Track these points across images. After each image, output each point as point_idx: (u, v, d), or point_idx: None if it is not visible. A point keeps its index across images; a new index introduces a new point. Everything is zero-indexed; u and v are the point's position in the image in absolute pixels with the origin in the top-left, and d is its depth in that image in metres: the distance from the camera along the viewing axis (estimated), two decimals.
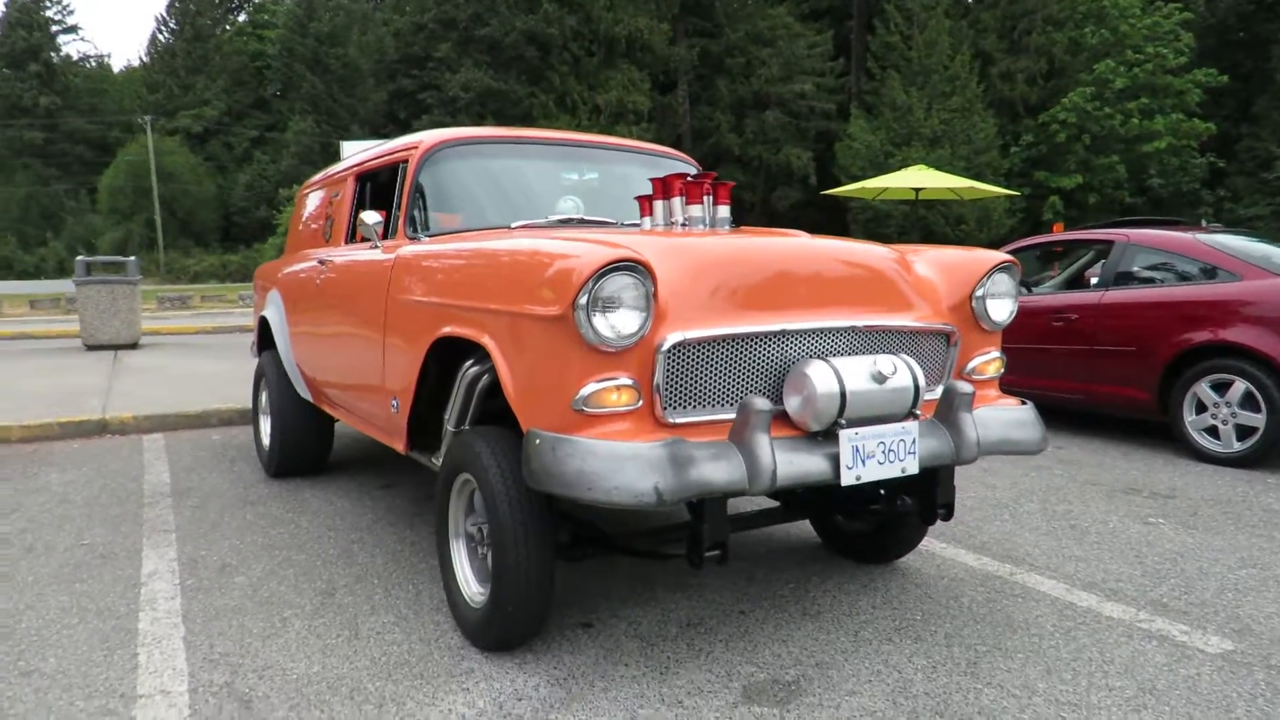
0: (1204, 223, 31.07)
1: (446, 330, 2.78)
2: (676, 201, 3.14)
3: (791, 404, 2.45)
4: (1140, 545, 3.72)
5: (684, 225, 3.10)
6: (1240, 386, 5.00)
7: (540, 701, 2.40)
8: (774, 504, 3.47)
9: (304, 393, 4.62)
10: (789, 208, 36.44)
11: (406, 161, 3.56)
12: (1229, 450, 5.07)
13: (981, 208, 31.03)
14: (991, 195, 14.36)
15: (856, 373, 2.44)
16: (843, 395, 2.39)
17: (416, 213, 3.46)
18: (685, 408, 2.40)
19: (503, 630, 2.58)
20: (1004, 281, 2.96)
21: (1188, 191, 40.47)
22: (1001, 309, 2.96)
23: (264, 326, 5.16)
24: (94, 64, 61.04)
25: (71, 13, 61.73)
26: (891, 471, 2.51)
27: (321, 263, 4.14)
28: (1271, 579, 3.33)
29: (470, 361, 2.87)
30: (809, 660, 2.65)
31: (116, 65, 62.86)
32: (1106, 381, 5.66)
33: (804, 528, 3.92)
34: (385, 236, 3.57)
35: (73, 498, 4.53)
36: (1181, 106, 35.26)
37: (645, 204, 3.28)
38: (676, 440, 2.24)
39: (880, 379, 2.46)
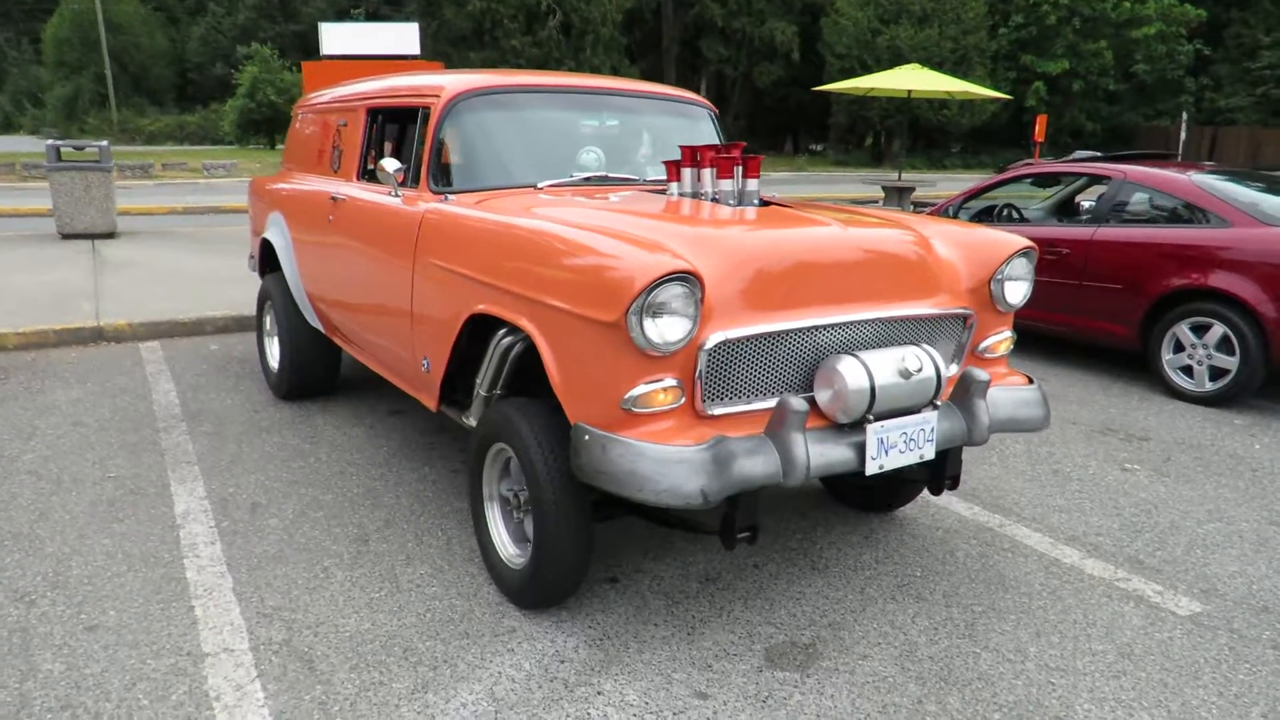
0: (1184, 116, 30.90)
1: (484, 308, 2.84)
2: (707, 173, 3.17)
3: (822, 397, 2.58)
4: (1118, 495, 3.98)
5: (714, 198, 3.14)
6: (1219, 330, 5.22)
7: (581, 664, 2.61)
8: None
9: (314, 323, 4.66)
10: (771, 84, 35.54)
11: (428, 108, 3.51)
12: (1201, 389, 5.33)
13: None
14: (983, 98, 14.17)
15: (885, 368, 2.57)
16: (873, 391, 2.53)
17: (440, 165, 3.44)
18: (722, 400, 2.52)
19: (544, 592, 2.77)
20: (1022, 266, 3.06)
21: (1172, 80, 40.04)
22: (1018, 291, 3.07)
23: (266, 248, 5.13)
24: None
25: None
26: (911, 459, 2.68)
27: (335, 199, 4.11)
28: (1235, 534, 3.61)
29: (503, 332, 2.95)
30: (822, 620, 2.89)
31: None
32: (1093, 316, 5.85)
33: None
34: (404, 183, 3.56)
35: (85, 420, 4.60)
36: None
37: (673, 170, 3.30)
38: (718, 440, 2.37)
39: (907, 375, 2.60)
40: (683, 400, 2.44)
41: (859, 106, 31.93)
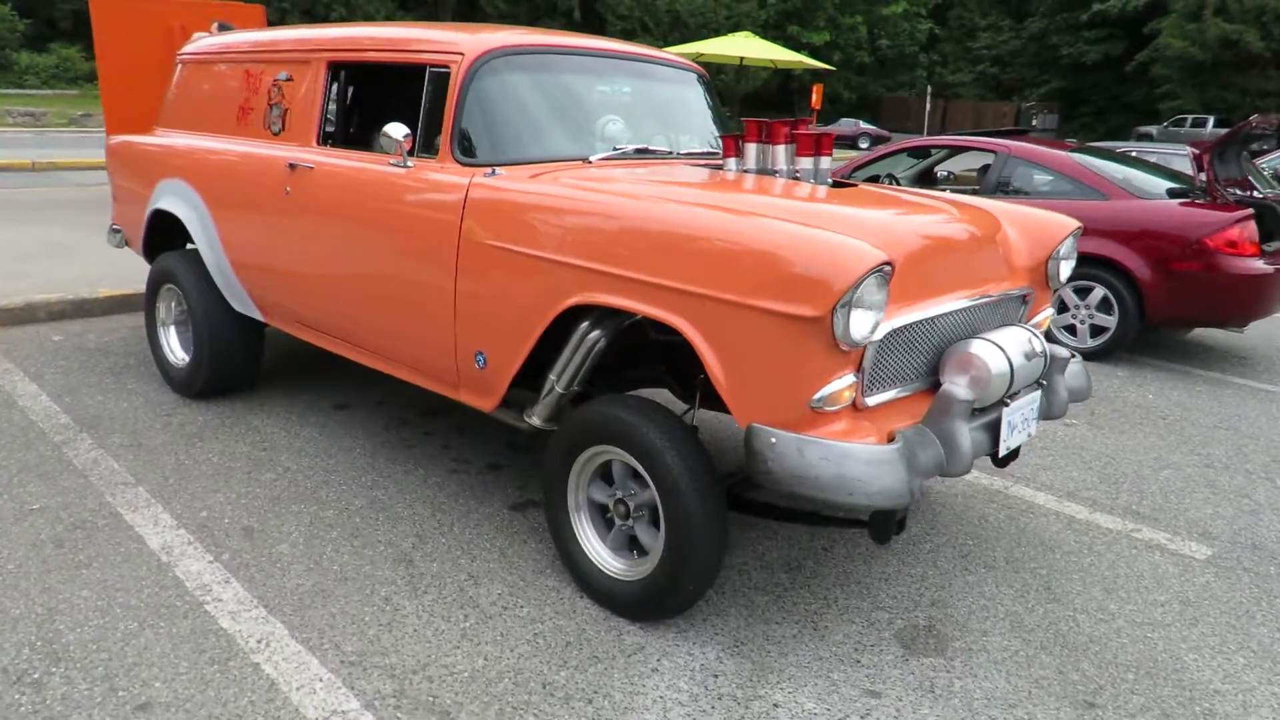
0: (929, 89, 33.91)
1: (588, 298, 2.56)
2: (781, 149, 3.04)
3: (959, 382, 2.57)
4: (1077, 449, 4.34)
5: (796, 175, 3.02)
6: (1099, 292, 5.81)
7: (736, 676, 2.47)
8: None
9: (244, 308, 4.03)
10: None
11: (443, 68, 3.09)
12: (1083, 345, 5.93)
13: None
14: (809, 67, 14.81)
15: (1015, 351, 2.60)
16: (1012, 374, 2.56)
17: (467, 134, 3.04)
18: (876, 390, 2.45)
19: (678, 603, 2.59)
20: (1071, 244, 3.21)
21: (909, 55, 43.99)
22: (1067, 269, 3.22)
23: (157, 222, 4.35)
24: None
25: None
26: (1023, 438, 2.75)
27: (293, 167, 3.54)
28: (1188, 479, 4.05)
29: (588, 323, 2.70)
30: (923, 599, 2.92)
31: None
32: None
33: None
34: (411, 152, 3.13)
35: None
36: None
37: (732, 144, 3.14)
38: (902, 436, 2.31)
39: (1030, 356, 2.65)
40: (855, 395, 2.34)
41: None
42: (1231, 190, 5.89)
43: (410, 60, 3.23)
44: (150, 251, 4.55)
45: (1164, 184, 6.00)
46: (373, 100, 3.83)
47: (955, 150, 7.45)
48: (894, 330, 2.39)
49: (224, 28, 7.57)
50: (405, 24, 3.47)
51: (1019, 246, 3.12)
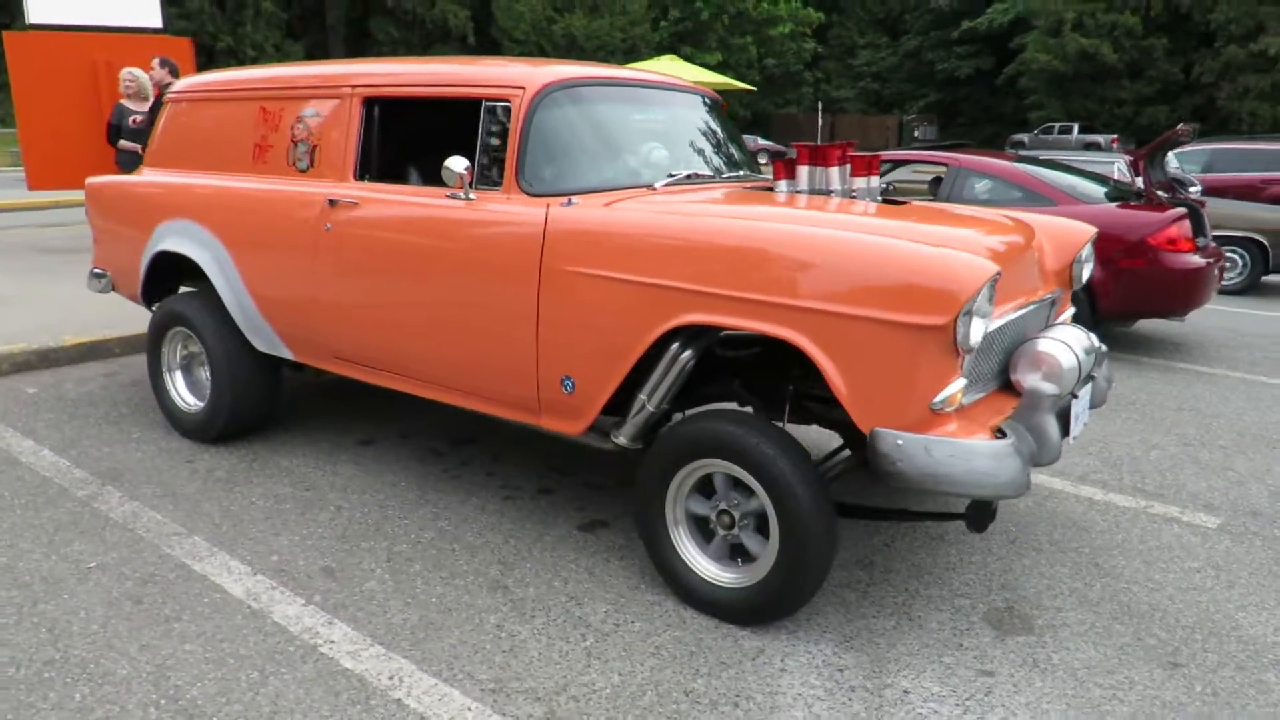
0: (820, 105, 35.15)
1: (693, 318, 2.67)
2: (835, 171, 3.21)
3: (1032, 378, 2.79)
4: None
5: (851, 194, 3.20)
6: None
7: (859, 669, 2.60)
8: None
9: (271, 347, 3.94)
10: None
11: (502, 101, 3.14)
12: None
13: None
14: (730, 88, 15.24)
15: (1078, 347, 2.84)
16: (1080, 368, 2.79)
17: (531, 165, 3.11)
18: (969, 391, 2.64)
19: (791, 605, 2.70)
20: (1090, 249, 3.50)
21: (794, 72, 45.55)
22: (1087, 271, 3.51)
23: (161, 265, 4.22)
24: None
25: None
26: (1080, 428, 2.99)
27: (333, 203, 3.51)
28: (1173, 457, 4.42)
29: (679, 343, 2.81)
30: (993, 583, 3.12)
31: None
32: None
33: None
34: (471, 184, 3.16)
35: None
36: None
37: (781, 167, 3.30)
38: (1008, 431, 2.50)
39: (1090, 350, 2.89)
40: (963, 397, 2.52)
41: None
42: (1161, 193, 6.42)
43: (464, 95, 3.26)
44: (145, 296, 4.39)
45: (1102, 189, 6.49)
46: (408, 134, 3.83)
47: (896, 164, 7.85)
48: (987, 335, 2.59)
49: (166, 63, 7.35)
50: (451, 59, 3.50)
51: (1048, 252, 3.38)
